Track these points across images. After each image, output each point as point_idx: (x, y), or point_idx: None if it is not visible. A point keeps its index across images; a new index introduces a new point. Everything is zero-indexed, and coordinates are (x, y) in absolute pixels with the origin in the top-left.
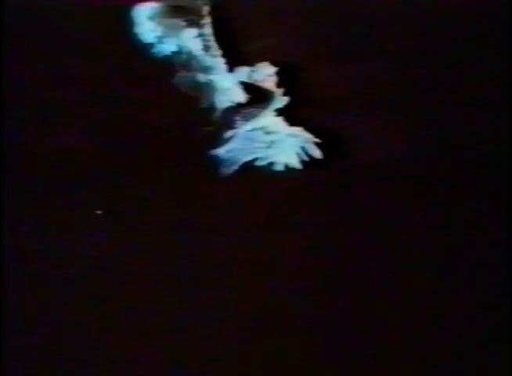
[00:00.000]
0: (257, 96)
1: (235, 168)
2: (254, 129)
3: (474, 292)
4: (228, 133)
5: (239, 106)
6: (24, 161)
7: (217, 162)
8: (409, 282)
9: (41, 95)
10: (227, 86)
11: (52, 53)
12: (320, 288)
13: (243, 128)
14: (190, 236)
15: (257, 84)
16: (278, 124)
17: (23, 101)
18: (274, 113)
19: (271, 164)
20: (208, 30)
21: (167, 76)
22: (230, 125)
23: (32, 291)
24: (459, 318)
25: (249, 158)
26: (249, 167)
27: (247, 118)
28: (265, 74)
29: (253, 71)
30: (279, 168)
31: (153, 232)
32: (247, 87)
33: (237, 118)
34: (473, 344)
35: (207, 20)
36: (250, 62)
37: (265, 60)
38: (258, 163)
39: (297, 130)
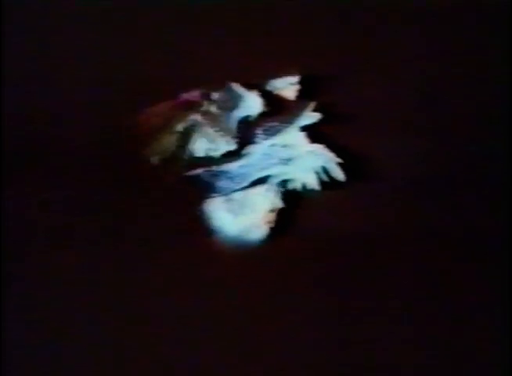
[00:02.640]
0: (277, 107)
1: (245, 184)
2: (273, 144)
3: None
4: (247, 149)
5: (261, 119)
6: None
7: (227, 178)
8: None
9: None
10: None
11: None
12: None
13: (264, 143)
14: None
15: (276, 92)
16: (298, 139)
17: None
18: (298, 128)
19: (286, 181)
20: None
21: None
22: (250, 140)
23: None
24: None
25: (262, 174)
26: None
27: (270, 133)
28: (287, 83)
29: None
30: (296, 186)
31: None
32: (267, 96)
33: (259, 132)
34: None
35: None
36: None
37: None
38: (271, 180)
39: (318, 148)
